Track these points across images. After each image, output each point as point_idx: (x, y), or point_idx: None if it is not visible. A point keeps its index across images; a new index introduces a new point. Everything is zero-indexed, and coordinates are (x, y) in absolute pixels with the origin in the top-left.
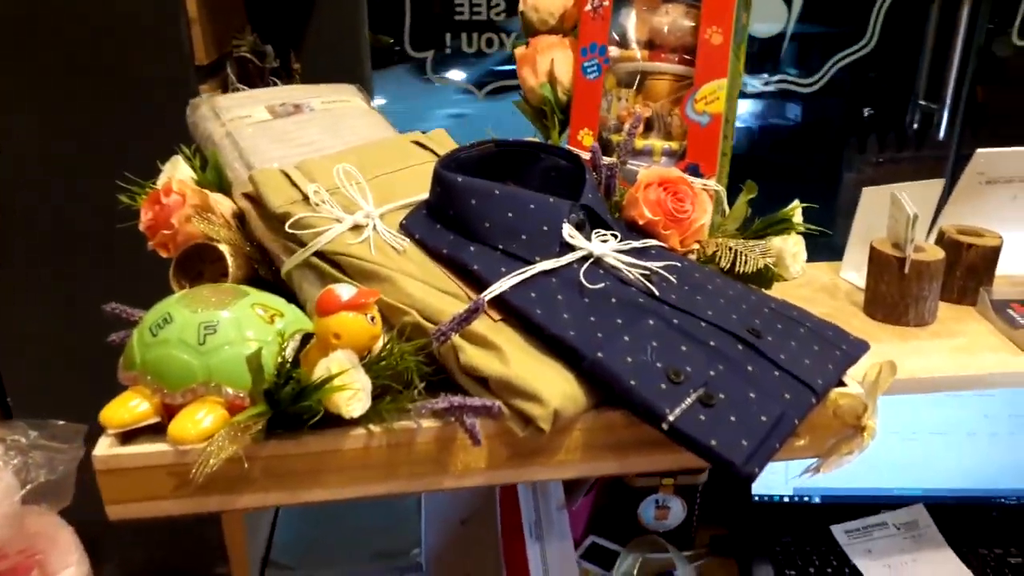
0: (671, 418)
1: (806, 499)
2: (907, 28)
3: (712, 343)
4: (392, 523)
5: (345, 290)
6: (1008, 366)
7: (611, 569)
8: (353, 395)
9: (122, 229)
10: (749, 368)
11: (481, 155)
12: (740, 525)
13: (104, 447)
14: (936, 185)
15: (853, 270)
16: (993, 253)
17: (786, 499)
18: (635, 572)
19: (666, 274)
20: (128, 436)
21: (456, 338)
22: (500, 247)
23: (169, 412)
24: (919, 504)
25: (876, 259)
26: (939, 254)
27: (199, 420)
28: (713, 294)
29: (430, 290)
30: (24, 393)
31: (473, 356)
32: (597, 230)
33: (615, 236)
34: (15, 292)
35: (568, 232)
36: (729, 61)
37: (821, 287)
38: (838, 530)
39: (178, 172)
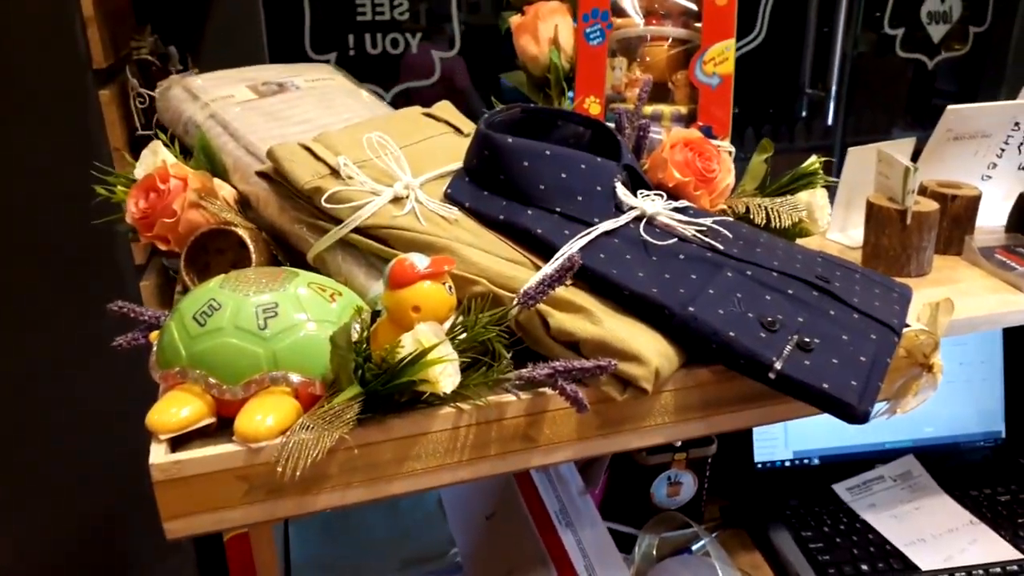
0: (778, 366)
1: (806, 461)
2: (792, 19)
3: (790, 291)
4: (414, 528)
5: (419, 259)
6: (1017, 305)
7: (629, 553)
8: (444, 369)
9: (19, 241)
10: (831, 312)
11: (508, 120)
12: (746, 494)
13: (160, 454)
14: (908, 143)
15: (839, 231)
16: (975, 203)
17: (787, 463)
18: (654, 553)
19: (721, 229)
20: (175, 443)
21: (541, 304)
22: (558, 209)
23: (225, 410)
24: (909, 455)
25: (876, 214)
26: (934, 204)
27: (269, 414)
28: (768, 247)
29: (493, 257)
30: None
31: (563, 320)
32: (640, 190)
33: (660, 195)
34: None
35: (622, 192)
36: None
37: (812, 244)
38: (840, 488)
39: (159, 158)
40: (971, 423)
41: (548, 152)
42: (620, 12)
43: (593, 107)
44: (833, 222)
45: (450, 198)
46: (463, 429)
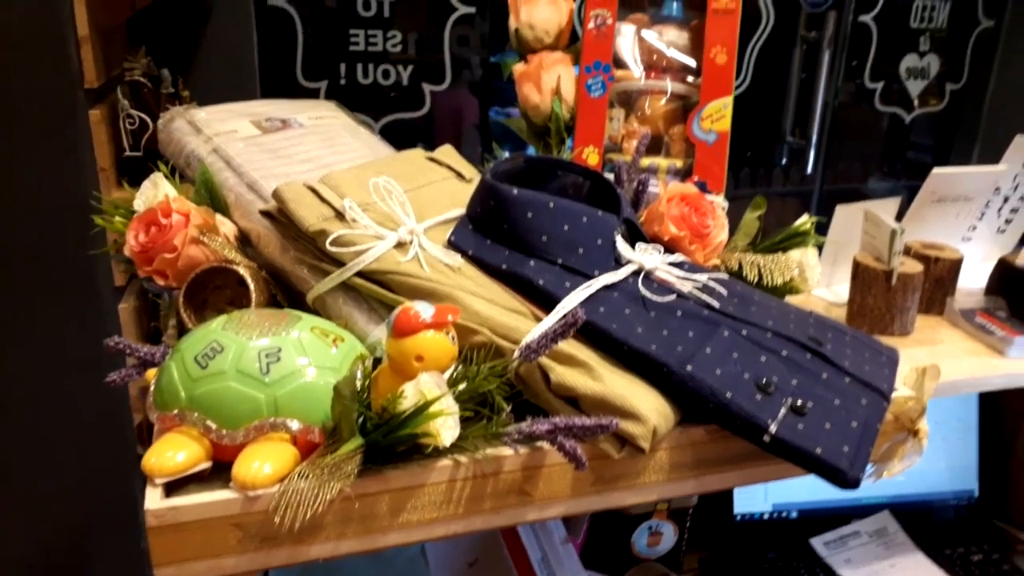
0: (773, 430)
1: (785, 514)
2: (776, 69)
3: (784, 352)
4: (397, 573)
5: (424, 308)
6: (993, 369)
7: None
8: (444, 422)
9: (18, 275)
10: (824, 376)
11: (511, 170)
12: (725, 545)
13: (156, 499)
14: (893, 203)
15: (824, 287)
16: (957, 265)
17: (766, 516)
18: None
19: (716, 286)
20: (170, 486)
21: (542, 358)
22: (559, 261)
23: (222, 454)
24: (885, 511)
25: (862, 273)
26: (918, 266)
27: (267, 461)
28: (762, 305)
29: (495, 307)
30: None
31: (564, 374)
32: (639, 243)
33: (658, 249)
34: None
35: (622, 245)
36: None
37: (799, 303)
38: (817, 543)
39: (161, 191)
40: (945, 481)
41: (552, 204)
42: (621, 64)
43: (592, 157)
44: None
45: (453, 245)
46: (459, 482)
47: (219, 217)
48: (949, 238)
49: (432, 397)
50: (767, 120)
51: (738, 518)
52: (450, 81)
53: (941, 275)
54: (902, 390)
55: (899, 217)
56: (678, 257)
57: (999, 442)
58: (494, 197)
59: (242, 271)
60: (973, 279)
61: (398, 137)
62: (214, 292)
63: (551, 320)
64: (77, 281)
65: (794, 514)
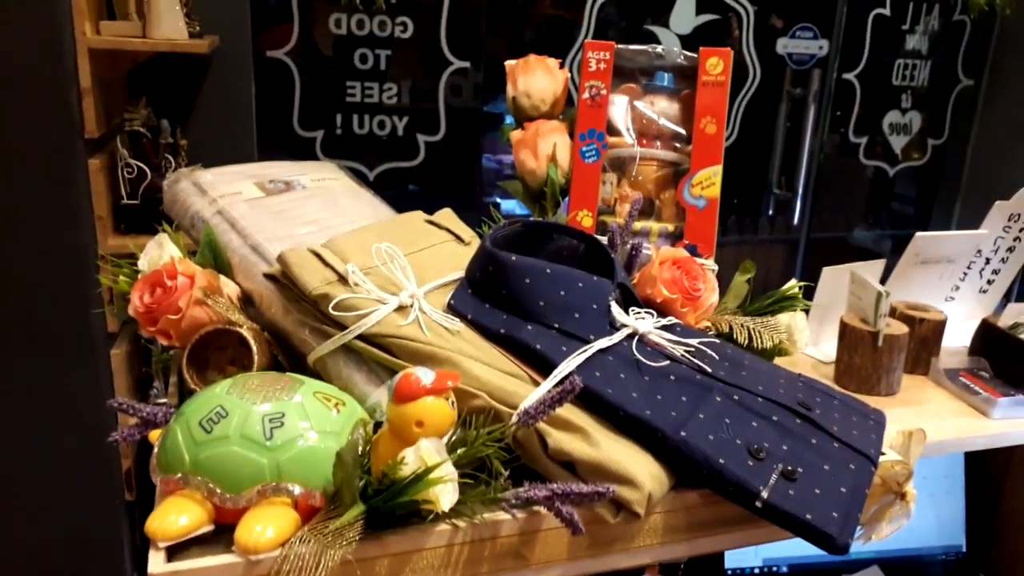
0: (764, 495)
1: (775, 568)
2: (762, 123)
3: (775, 417)
4: None
5: (425, 374)
6: (978, 429)
7: None
8: (443, 488)
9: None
10: (813, 441)
11: (509, 235)
12: None
13: (159, 564)
14: (878, 265)
15: (812, 345)
16: (941, 326)
17: (756, 570)
18: None
19: (708, 350)
20: (174, 549)
21: (539, 423)
22: (556, 325)
23: (224, 517)
24: (874, 566)
25: (849, 334)
26: (903, 328)
27: (269, 525)
28: (753, 369)
29: (494, 371)
30: None
31: (561, 440)
32: (632, 308)
33: (651, 313)
34: None
35: (616, 310)
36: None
37: (787, 361)
38: None
39: (166, 251)
40: (933, 536)
41: (549, 271)
42: (614, 131)
43: (585, 220)
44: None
45: (453, 309)
46: (457, 546)
47: (222, 279)
48: (933, 299)
49: (432, 463)
50: (754, 171)
51: (729, 573)
52: (444, 132)
53: (925, 336)
54: (889, 454)
55: (884, 278)
56: (670, 320)
57: (986, 497)
58: (493, 263)
59: (245, 333)
60: (957, 338)
61: (392, 186)
62: (216, 352)
63: (548, 384)
64: (71, 326)
65: (784, 568)
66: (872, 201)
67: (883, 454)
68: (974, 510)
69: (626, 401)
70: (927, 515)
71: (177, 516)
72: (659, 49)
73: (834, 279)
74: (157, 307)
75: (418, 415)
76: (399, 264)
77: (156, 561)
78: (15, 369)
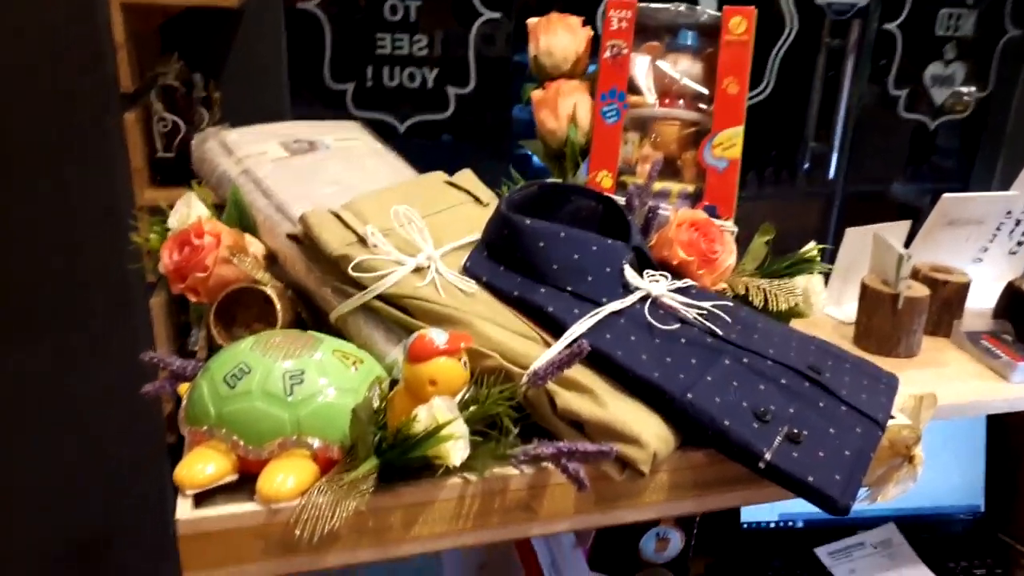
0: (768, 457)
1: (791, 524)
2: (799, 75)
3: (783, 380)
4: (411, 573)
5: (438, 335)
6: (996, 392)
7: None
8: (455, 444)
9: (50, 268)
10: (821, 404)
11: (526, 197)
12: (732, 552)
13: (187, 510)
14: (903, 226)
15: (834, 304)
16: (964, 289)
17: (772, 525)
18: None
19: (721, 313)
20: (200, 497)
21: (549, 383)
22: (569, 288)
23: (247, 468)
24: (891, 523)
25: (869, 296)
26: (925, 290)
27: (289, 476)
28: (765, 332)
29: (507, 333)
30: None
31: (569, 400)
32: (647, 270)
33: (665, 276)
34: None
35: (630, 273)
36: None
37: (807, 322)
38: (822, 552)
39: (194, 210)
40: (952, 495)
41: (563, 234)
42: (635, 90)
43: (605, 181)
44: (829, 296)
45: (468, 271)
46: (468, 499)
47: (248, 237)
48: (959, 260)
49: (443, 421)
50: (790, 124)
51: (745, 526)
52: (475, 83)
53: (948, 298)
54: (899, 417)
55: (909, 239)
56: (685, 283)
57: (1006, 458)
58: (508, 227)
59: (269, 291)
60: (985, 300)
61: (424, 136)
62: (243, 309)
63: (559, 346)
64: (110, 275)
65: (800, 523)
66: (912, 155)
67: (892, 418)
68: (995, 471)
69: (635, 363)
70: (946, 475)
71: (203, 466)
72: (682, 7)
73: (858, 240)
74: (185, 265)
75: (431, 374)
76: (417, 226)
77: (184, 507)
78: (55, 320)
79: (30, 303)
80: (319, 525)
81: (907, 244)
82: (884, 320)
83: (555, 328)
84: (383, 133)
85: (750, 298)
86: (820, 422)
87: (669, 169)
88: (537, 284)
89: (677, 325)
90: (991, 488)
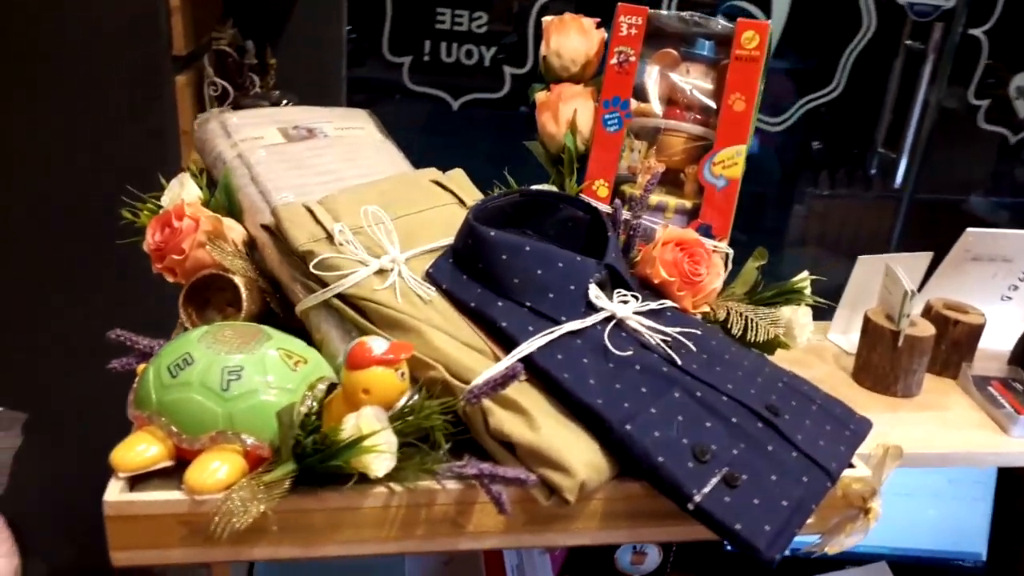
0: (697, 499)
1: None
2: (873, 77)
3: (734, 419)
4: (376, 564)
5: (377, 344)
6: (993, 445)
7: None
8: (380, 455)
9: (96, 229)
10: (769, 448)
11: (505, 204)
12: (712, 572)
13: (115, 492)
14: (924, 258)
15: (841, 333)
16: (977, 331)
17: None
18: None
19: (686, 341)
20: (137, 478)
21: (486, 400)
22: (528, 304)
23: (183, 456)
24: (883, 562)
25: (870, 330)
26: (930, 330)
27: (216, 469)
28: (731, 364)
29: (457, 344)
30: None
31: (503, 420)
32: (618, 290)
33: (636, 297)
34: None
35: (594, 293)
36: (751, 127)
37: (810, 348)
38: None
39: (186, 190)
40: (953, 541)
41: (528, 248)
42: (643, 97)
43: (601, 190)
44: (836, 324)
45: (430, 277)
46: (393, 508)
47: (229, 223)
48: (984, 298)
49: (368, 431)
50: (859, 127)
51: (728, 547)
52: (531, 64)
53: (959, 339)
54: (859, 468)
55: (930, 271)
56: (662, 304)
57: (1015, 509)
58: (472, 236)
59: (237, 280)
60: (1009, 341)
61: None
62: (217, 293)
63: (502, 364)
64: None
65: (787, 552)
66: (989, 168)
67: (853, 466)
68: (1001, 521)
69: (580, 387)
70: (950, 519)
71: (139, 450)
72: (697, 16)
73: (870, 268)
74: (165, 246)
75: (365, 383)
76: (385, 228)
77: (112, 490)
78: (93, 282)
79: (70, 264)
80: (231, 521)
81: (927, 276)
82: (883, 357)
83: (508, 344)
84: (437, 109)
85: (729, 325)
86: (764, 467)
87: (673, 182)
88: (496, 297)
89: (630, 352)
90: (996, 538)
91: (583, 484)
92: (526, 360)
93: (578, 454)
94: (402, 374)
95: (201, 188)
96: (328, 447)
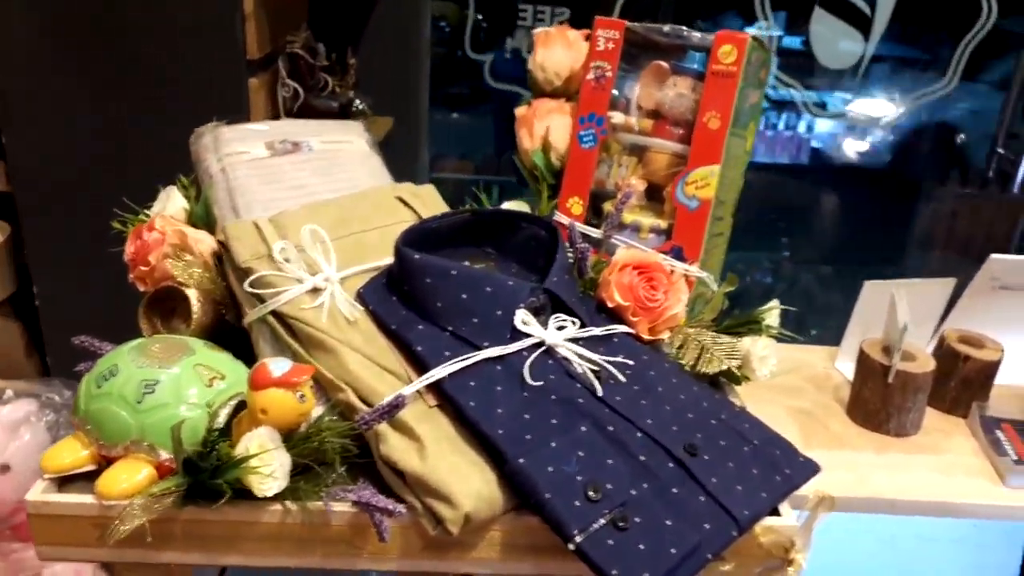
0: (578, 540)
1: None
2: (990, 74)
3: (642, 457)
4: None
5: (277, 366)
6: (983, 496)
7: None
8: (269, 475)
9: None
10: (674, 490)
11: (455, 224)
12: None
13: (38, 492)
14: (946, 285)
15: (849, 361)
16: (990, 368)
17: None
18: None
19: (616, 372)
20: (69, 479)
21: (382, 425)
22: (449, 329)
23: (106, 460)
24: None
25: (863, 362)
26: (928, 365)
27: (125, 478)
28: (661, 398)
29: (371, 367)
30: (62, 352)
31: (393, 448)
32: (556, 315)
33: (574, 323)
34: (63, 257)
35: (521, 319)
36: (725, 146)
37: (811, 376)
38: None
39: (172, 202)
40: None
41: (454, 272)
42: (631, 111)
43: (575, 207)
44: (843, 351)
45: (359, 297)
46: (289, 526)
47: (198, 235)
48: (1012, 330)
49: (255, 452)
50: (975, 125)
51: None
52: None
53: (969, 376)
54: (786, 516)
55: (953, 300)
56: (608, 330)
57: None
58: (398, 258)
59: (189, 292)
60: None
61: None
62: (181, 302)
63: (410, 389)
64: None
65: None
66: None
67: (778, 514)
68: None
69: (483, 417)
70: (971, 564)
71: (64, 455)
72: (682, 30)
73: (877, 294)
74: (135, 257)
75: (263, 403)
76: (322, 247)
77: (36, 490)
78: None
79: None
80: (120, 527)
81: (951, 304)
82: (874, 393)
83: (422, 368)
84: (521, 98)
85: (680, 355)
86: (659, 511)
87: (659, 196)
88: (418, 321)
89: (550, 380)
90: None
91: (467, 516)
92: (438, 386)
93: (466, 486)
94: (301, 396)
95: (188, 200)
96: (223, 463)
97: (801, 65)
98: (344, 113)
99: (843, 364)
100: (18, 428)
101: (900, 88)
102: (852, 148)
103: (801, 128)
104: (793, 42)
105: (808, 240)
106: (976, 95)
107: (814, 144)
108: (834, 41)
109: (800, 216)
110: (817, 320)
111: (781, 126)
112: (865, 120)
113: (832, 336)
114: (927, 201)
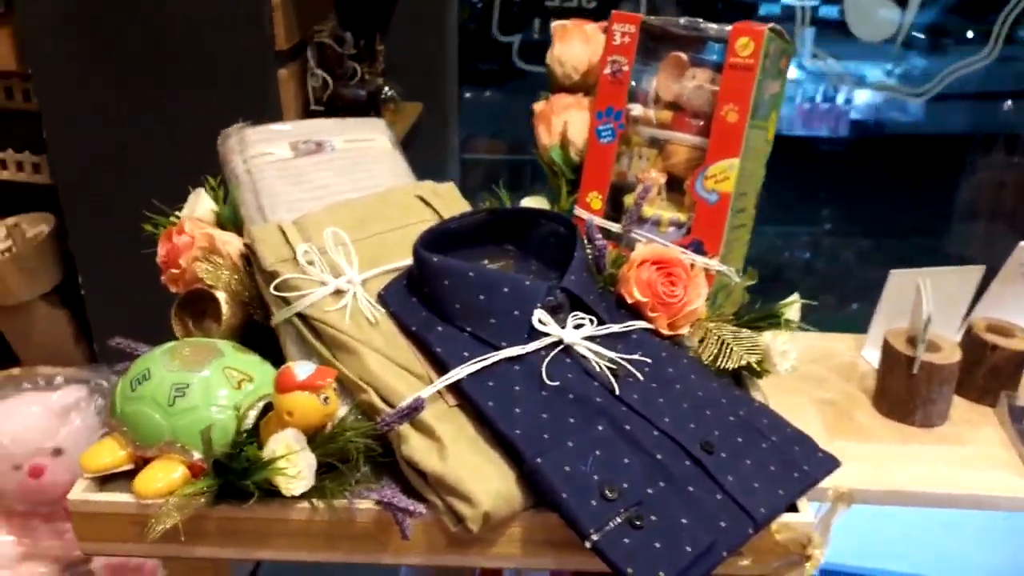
0: (595, 538)
1: None
2: None
3: (659, 456)
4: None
5: (302, 369)
6: (1009, 489)
7: None
8: (296, 475)
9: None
10: (690, 488)
11: (473, 224)
12: None
13: (79, 491)
14: (975, 272)
15: (875, 350)
16: (1020, 357)
17: None
18: None
19: (634, 370)
20: (108, 477)
21: (403, 425)
22: (468, 330)
23: (143, 460)
24: None
25: (887, 353)
26: (955, 356)
27: (161, 477)
28: (678, 395)
29: (392, 368)
30: (107, 340)
31: (415, 448)
32: (575, 313)
33: (592, 321)
34: (106, 246)
35: (539, 318)
36: (744, 139)
37: (838, 365)
38: None
39: (200, 204)
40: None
41: (471, 274)
42: (650, 104)
43: (595, 202)
44: (870, 340)
45: (381, 299)
46: (316, 523)
47: (227, 237)
48: None
49: (282, 453)
50: (1019, 93)
51: None
52: None
53: (997, 365)
54: (803, 512)
55: (983, 287)
56: (628, 326)
57: None
58: (416, 261)
59: (219, 294)
60: None
61: None
62: (212, 303)
63: (431, 389)
64: None
65: None
66: None
67: (796, 510)
68: None
69: (502, 416)
70: (999, 552)
71: (104, 455)
72: (699, 21)
73: (904, 283)
74: (167, 259)
75: (289, 406)
76: (345, 250)
77: (77, 489)
78: None
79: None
80: (157, 524)
81: (980, 292)
82: (899, 384)
83: (442, 369)
84: (548, 88)
85: (701, 349)
86: (676, 509)
87: (680, 192)
88: (437, 322)
89: (568, 379)
90: None
91: (487, 514)
92: (457, 386)
93: (486, 484)
94: (325, 399)
95: (216, 201)
96: (251, 464)
97: (838, 36)
98: (373, 101)
99: (869, 353)
100: (69, 413)
101: (940, 58)
102: (892, 119)
103: (840, 100)
104: (831, 11)
105: (849, 214)
106: (1020, 62)
107: (853, 116)
108: (872, 11)
109: (840, 189)
110: (859, 295)
111: (819, 99)
112: (905, 91)
113: (873, 312)
114: (972, 172)
